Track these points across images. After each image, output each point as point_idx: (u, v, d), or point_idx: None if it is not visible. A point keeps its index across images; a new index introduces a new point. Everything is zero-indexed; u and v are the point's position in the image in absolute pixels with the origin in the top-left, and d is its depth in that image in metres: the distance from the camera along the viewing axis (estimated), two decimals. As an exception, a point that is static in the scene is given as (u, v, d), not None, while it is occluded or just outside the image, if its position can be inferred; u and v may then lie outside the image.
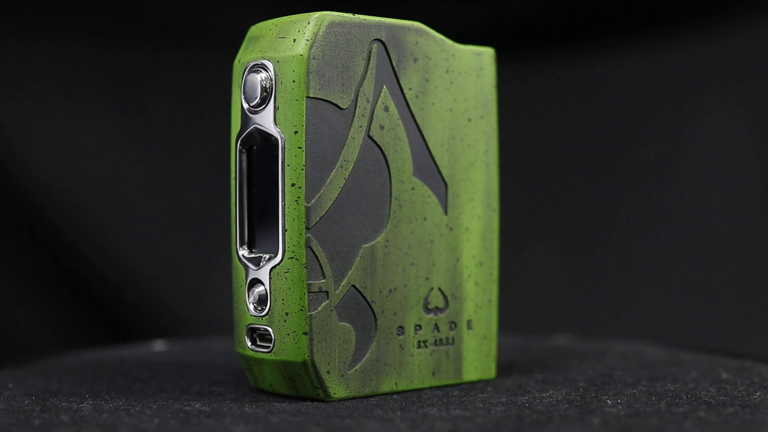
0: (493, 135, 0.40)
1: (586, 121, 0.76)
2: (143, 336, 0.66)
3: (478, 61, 0.40)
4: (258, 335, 0.37)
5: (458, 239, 0.39)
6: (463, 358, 0.40)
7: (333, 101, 0.36)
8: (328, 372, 0.36)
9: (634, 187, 0.75)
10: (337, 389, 0.37)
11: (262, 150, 0.37)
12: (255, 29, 0.38)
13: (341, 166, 0.36)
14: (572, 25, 0.76)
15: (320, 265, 0.36)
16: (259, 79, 0.36)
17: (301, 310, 0.36)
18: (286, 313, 0.36)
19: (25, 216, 0.73)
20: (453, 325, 0.39)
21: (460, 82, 0.39)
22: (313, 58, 0.36)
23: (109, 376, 0.42)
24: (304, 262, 0.36)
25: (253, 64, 0.36)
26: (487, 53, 0.40)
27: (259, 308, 0.36)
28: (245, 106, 0.37)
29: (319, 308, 0.36)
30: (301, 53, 0.36)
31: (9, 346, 0.72)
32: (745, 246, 0.74)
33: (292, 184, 0.36)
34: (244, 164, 0.37)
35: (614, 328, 0.72)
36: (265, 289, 0.36)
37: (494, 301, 0.40)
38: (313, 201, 0.36)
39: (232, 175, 0.37)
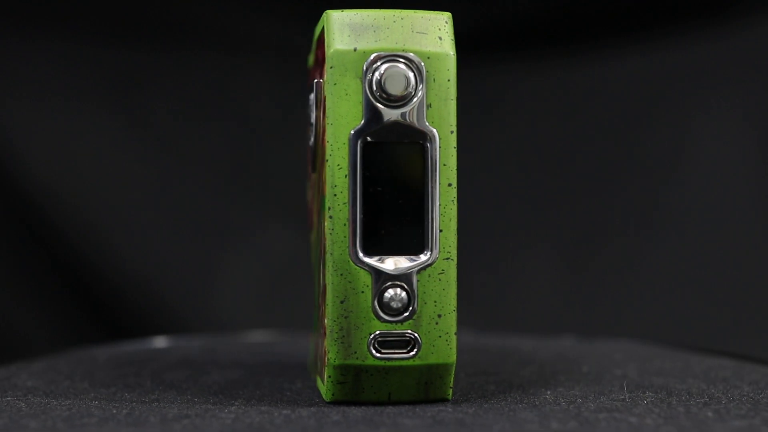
0: None
1: (586, 122, 0.76)
2: (143, 335, 0.66)
3: None
4: (393, 342, 0.35)
5: None
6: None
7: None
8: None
9: (635, 187, 0.75)
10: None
11: (378, 145, 0.35)
12: (353, 16, 0.35)
13: None
14: (572, 25, 0.76)
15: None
16: (406, 72, 0.35)
17: (454, 310, 0.35)
18: (439, 315, 0.35)
19: (25, 216, 0.72)
20: None
21: None
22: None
23: (109, 375, 0.42)
24: (456, 262, 0.35)
25: (391, 55, 0.35)
26: None
27: (398, 313, 0.35)
28: (378, 98, 0.35)
29: None
30: (452, 52, 0.35)
31: (9, 346, 0.72)
32: (746, 246, 0.74)
33: (449, 184, 0.35)
34: (365, 159, 0.35)
35: (614, 328, 0.72)
36: (409, 293, 0.35)
37: None
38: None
39: (341, 171, 0.35)
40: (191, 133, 0.75)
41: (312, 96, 0.38)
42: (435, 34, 0.35)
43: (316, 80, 0.37)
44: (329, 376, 0.35)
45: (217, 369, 0.44)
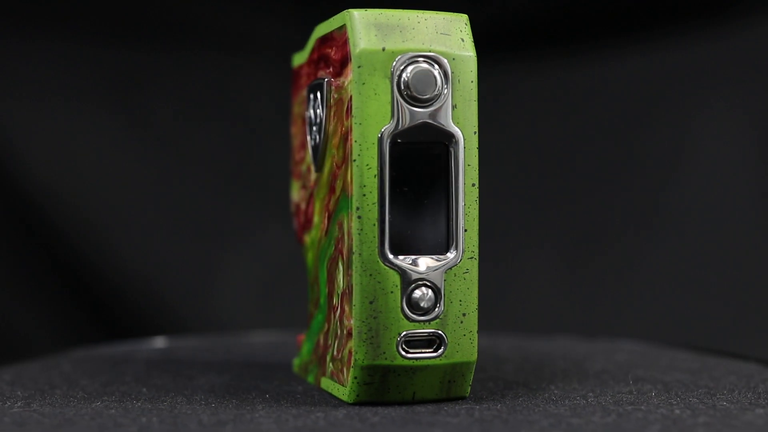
0: None
1: (586, 122, 0.76)
2: (143, 335, 0.66)
3: None
4: (419, 341, 0.35)
5: None
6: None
7: None
8: None
9: (635, 187, 0.75)
10: None
11: (406, 146, 0.35)
12: (378, 16, 0.35)
13: None
14: (572, 25, 0.76)
15: None
16: (434, 72, 0.35)
17: (476, 309, 0.36)
18: (464, 314, 0.35)
19: (25, 216, 0.72)
20: None
21: None
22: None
23: (109, 374, 0.42)
24: (478, 261, 0.36)
25: (418, 55, 0.35)
26: None
27: (425, 312, 0.35)
28: (406, 98, 0.35)
29: None
30: (473, 54, 0.35)
31: (9, 345, 0.72)
32: (746, 246, 0.74)
33: (473, 185, 0.35)
34: (394, 160, 0.35)
35: (614, 328, 0.72)
36: (436, 292, 0.35)
37: None
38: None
39: (370, 171, 0.34)
40: (191, 133, 0.75)
41: (313, 95, 0.38)
42: (457, 35, 0.35)
43: (326, 79, 0.37)
44: (355, 377, 0.35)
45: (228, 369, 0.44)
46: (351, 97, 0.35)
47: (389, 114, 0.35)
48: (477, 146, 0.35)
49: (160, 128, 0.75)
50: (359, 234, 0.34)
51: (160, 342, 0.53)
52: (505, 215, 0.75)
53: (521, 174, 0.75)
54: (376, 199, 0.35)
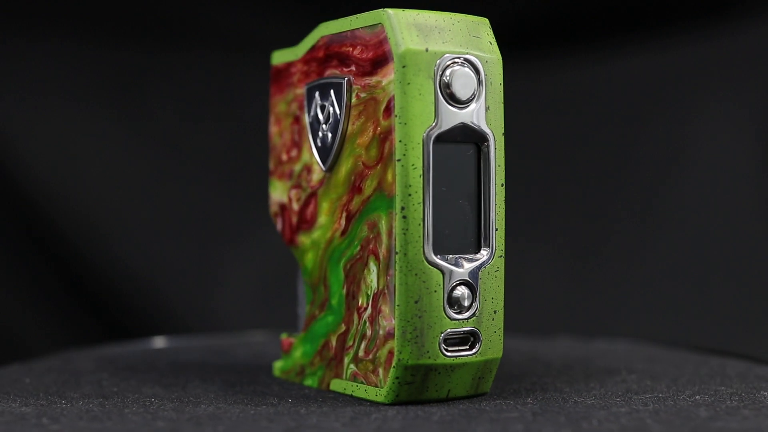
0: None
1: (586, 121, 0.76)
2: (143, 335, 0.66)
3: None
4: (455, 339, 0.36)
5: None
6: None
7: None
8: None
9: (635, 187, 0.75)
10: None
11: (446, 146, 0.36)
12: (416, 17, 0.35)
13: None
14: (573, 26, 0.76)
15: None
16: (473, 74, 0.35)
17: (504, 306, 0.36)
18: (494, 311, 0.36)
19: (25, 216, 0.73)
20: None
21: None
22: None
23: (109, 374, 0.42)
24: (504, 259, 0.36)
25: (458, 57, 0.35)
26: None
27: (464, 311, 0.35)
28: (446, 99, 0.35)
29: None
30: (500, 57, 0.36)
31: (9, 345, 0.72)
32: (746, 246, 0.74)
33: (502, 184, 0.36)
34: (434, 161, 0.35)
35: (614, 328, 0.72)
36: (471, 290, 0.36)
37: None
38: None
39: (416, 171, 0.35)
40: (191, 133, 0.75)
41: (320, 94, 0.38)
42: (486, 38, 0.36)
43: (345, 78, 0.37)
44: (397, 377, 0.35)
45: (228, 369, 0.44)
46: (392, 96, 0.35)
47: (432, 114, 0.35)
48: (503, 147, 0.36)
49: (160, 128, 0.75)
50: (404, 234, 0.35)
51: (160, 342, 0.53)
52: (506, 215, 0.74)
53: (521, 174, 0.75)
54: (421, 199, 0.35)
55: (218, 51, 0.75)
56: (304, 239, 0.39)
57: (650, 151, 0.75)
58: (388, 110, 0.35)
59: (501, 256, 0.36)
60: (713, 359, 0.45)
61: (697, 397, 0.37)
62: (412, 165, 0.35)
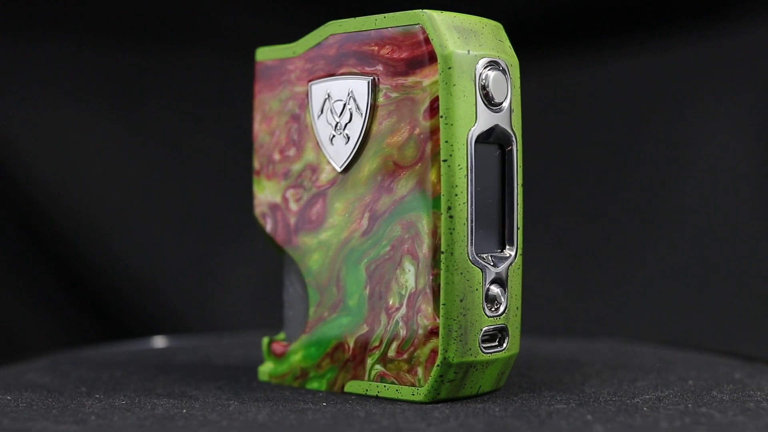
0: None
1: (586, 121, 0.76)
2: (143, 335, 0.66)
3: None
4: (491, 335, 0.36)
5: None
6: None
7: None
8: None
9: (635, 187, 0.75)
10: None
11: (484, 147, 0.36)
12: (453, 19, 0.36)
13: None
14: (573, 26, 0.76)
15: None
16: (505, 77, 0.36)
17: (522, 303, 0.37)
18: (517, 308, 0.37)
19: (25, 216, 0.73)
20: None
21: None
22: None
23: (108, 374, 0.42)
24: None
25: (494, 61, 0.36)
26: None
27: (496, 308, 0.36)
28: (485, 101, 0.36)
29: None
30: (517, 61, 0.37)
31: (9, 345, 0.72)
32: (746, 246, 0.74)
33: (521, 185, 0.37)
34: (477, 162, 0.36)
35: (615, 328, 0.72)
36: (501, 288, 0.36)
37: None
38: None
39: (461, 171, 0.35)
40: (191, 133, 0.75)
41: (329, 93, 0.38)
42: (506, 42, 0.37)
43: (371, 78, 0.37)
44: (440, 376, 0.35)
45: (228, 369, 0.44)
46: (437, 97, 0.35)
47: (474, 116, 0.36)
48: (522, 149, 0.37)
49: (159, 128, 0.75)
50: (451, 233, 0.35)
51: (159, 342, 0.53)
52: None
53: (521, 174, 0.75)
54: (466, 199, 0.35)
55: (218, 51, 0.75)
56: (306, 240, 0.39)
57: (650, 151, 0.75)
58: (432, 111, 0.35)
59: (521, 255, 0.37)
60: (713, 359, 0.45)
61: (698, 397, 0.37)
62: (458, 165, 0.35)
